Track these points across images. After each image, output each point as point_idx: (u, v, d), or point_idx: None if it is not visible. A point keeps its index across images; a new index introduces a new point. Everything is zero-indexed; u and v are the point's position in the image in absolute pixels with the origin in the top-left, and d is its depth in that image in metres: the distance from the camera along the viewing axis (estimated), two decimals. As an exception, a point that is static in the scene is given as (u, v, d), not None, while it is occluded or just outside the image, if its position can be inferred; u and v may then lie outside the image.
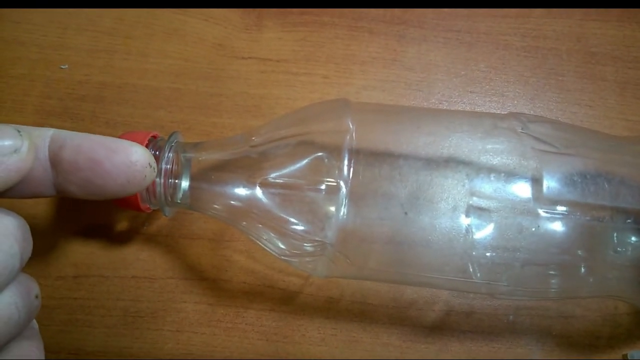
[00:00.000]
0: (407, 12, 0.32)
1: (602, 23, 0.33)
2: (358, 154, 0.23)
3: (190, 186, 0.24)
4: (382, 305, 0.26)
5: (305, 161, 0.24)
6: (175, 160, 0.24)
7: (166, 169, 0.23)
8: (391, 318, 0.26)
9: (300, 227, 0.24)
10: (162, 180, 0.23)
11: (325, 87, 0.31)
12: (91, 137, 0.17)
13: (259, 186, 0.24)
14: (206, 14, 0.32)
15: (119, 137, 0.24)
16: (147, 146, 0.23)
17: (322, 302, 0.27)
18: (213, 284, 0.27)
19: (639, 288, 0.25)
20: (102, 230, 0.28)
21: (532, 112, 0.30)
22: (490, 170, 0.24)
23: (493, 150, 0.24)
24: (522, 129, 0.23)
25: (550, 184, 0.21)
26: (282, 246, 0.24)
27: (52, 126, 0.25)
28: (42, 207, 0.28)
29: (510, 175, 0.23)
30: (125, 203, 0.23)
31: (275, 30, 0.32)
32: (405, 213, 0.24)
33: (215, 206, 0.25)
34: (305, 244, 0.24)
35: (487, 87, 0.31)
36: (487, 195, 0.24)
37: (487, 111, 0.30)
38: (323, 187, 0.23)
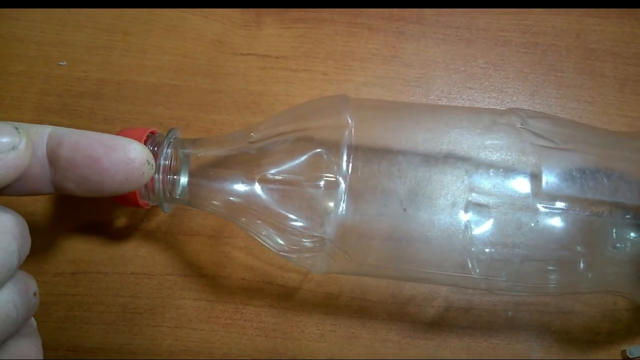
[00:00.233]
0: (407, 9, 0.32)
1: (602, 19, 0.33)
2: (357, 150, 0.23)
3: (189, 182, 0.24)
4: (381, 302, 0.26)
5: (304, 157, 0.24)
6: (174, 156, 0.24)
7: (165, 165, 0.23)
8: (390, 314, 0.26)
9: (299, 223, 0.24)
10: (161, 177, 0.23)
11: (325, 84, 0.31)
12: (89, 134, 0.17)
13: (257, 182, 0.24)
14: (205, 11, 0.32)
15: (117, 133, 0.24)
16: (145, 142, 0.23)
17: (321, 298, 0.27)
18: (212, 280, 0.27)
19: (638, 283, 0.25)
20: (100, 226, 0.27)
21: (531, 108, 0.30)
22: (489, 166, 0.24)
23: (492, 146, 0.24)
24: (521, 124, 0.23)
25: (549, 179, 0.21)
26: (281, 242, 0.24)
27: (51, 123, 0.25)
28: (40, 204, 0.28)
29: (509, 171, 0.23)
30: (124, 199, 0.23)
31: (274, 27, 0.32)
32: (404, 209, 0.24)
33: (214, 202, 0.25)
34: (304, 240, 0.24)
35: (486, 83, 0.31)
36: (486, 191, 0.24)
37: (486, 107, 0.30)
38: (322, 183, 0.23)
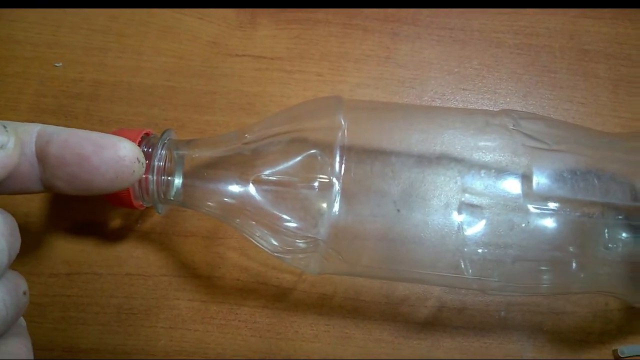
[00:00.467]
0: (401, 10, 0.33)
1: (596, 20, 0.33)
2: (350, 151, 0.23)
3: (183, 183, 0.24)
4: (374, 302, 0.27)
5: (298, 158, 0.24)
6: (168, 157, 0.24)
7: (159, 166, 0.23)
8: (384, 314, 0.26)
9: (293, 224, 0.24)
10: (155, 178, 0.23)
11: (319, 85, 0.31)
12: (78, 132, 0.17)
13: (252, 183, 0.24)
14: (200, 12, 0.32)
15: (113, 132, 0.24)
16: (140, 143, 0.24)
17: (315, 298, 0.27)
18: (206, 281, 0.27)
19: (629, 284, 0.25)
20: (95, 227, 0.28)
21: (524, 109, 0.30)
22: (482, 167, 0.24)
23: (485, 147, 0.24)
24: (513, 125, 0.23)
25: (540, 180, 0.21)
26: (275, 243, 0.24)
27: (46, 124, 0.25)
28: (34, 205, 0.28)
29: (501, 172, 0.24)
30: (118, 200, 0.23)
31: (269, 28, 0.32)
32: (398, 210, 0.24)
33: (209, 203, 0.25)
34: (298, 241, 0.24)
35: (480, 84, 0.31)
36: (478, 192, 0.24)
37: (480, 108, 0.30)
38: (316, 184, 0.24)
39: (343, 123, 0.23)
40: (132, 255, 0.27)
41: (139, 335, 0.26)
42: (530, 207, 0.22)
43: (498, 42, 0.32)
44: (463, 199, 0.24)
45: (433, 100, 0.30)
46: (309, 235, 0.24)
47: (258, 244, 0.25)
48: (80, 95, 0.30)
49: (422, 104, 0.30)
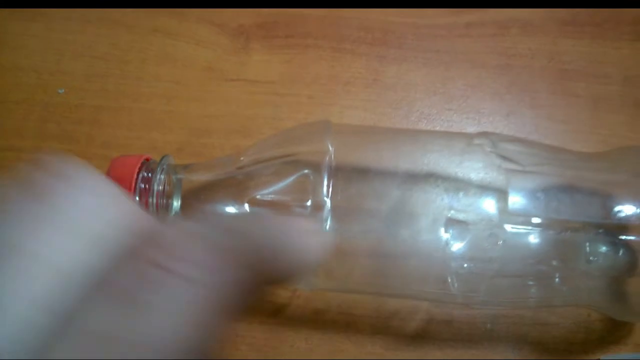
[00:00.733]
0: (388, 34, 0.34)
1: (575, 41, 0.34)
2: (338, 173, 0.25)
3: (181, 205, 0.26)
4: (366, 316, 0.28)
5: (290, 180, 0.25)
6: (167, 181, 0.26)
7: (158, 190, 0.25)
8: (375, 328, 0.28)
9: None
10: (155, 201, 0.25)
11: (311, 107, 0.32)
12: None
13: (247, 204, 0.25)
14: (196, 39, 0.34)
15: (114, 160, 0.25)
16: (140, 169, 0.25)
17: (309, 313, 0.28)
18: (204, 298, 0.28)
19: (610, 297, 0.26)
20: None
21: (507, 128, 0.32)
22: (467, 185, 0.25)
23: (468, 167, 0.26)
24: (490, 147, 0.24)
25: (514, 200, 0.23)
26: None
27: (50, 148, 0.27)
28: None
29: (483, 190, 0.25)
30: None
31: (262, 53, 0.33)
32: (387, 227, 0.25)
33: (206, 224, 0.26)
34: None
35: (464, 104, 0.32)
36: (463, 209, 0.25)
37: (464, 127, 0.32)
38: (308, 203, 0.25)
39: (330, 148, 0.25)
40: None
41: (140, 351, 0.27)
42: (507, 226, 0.23)
43: (481, 64, 0.33)
44: (449, 215, 0.25)
45: (419, 120, 0.32)
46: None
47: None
48: (82, 120, 0.32)
49: (407, 127, 0.31)
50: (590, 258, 0.25)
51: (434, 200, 0.26)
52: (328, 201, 0.24)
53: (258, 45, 0.34)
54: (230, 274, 0.11)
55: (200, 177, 0.26)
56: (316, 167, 0.25)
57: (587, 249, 0.25)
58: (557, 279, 0.26)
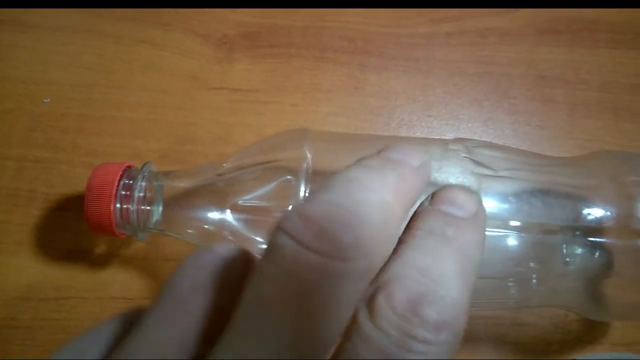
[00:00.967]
0: (369, 43, 0.35)
1: (553, 48, 0.35)
2: (315, 179, 0.25)
3: (163, 212, 0.26)
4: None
5: (271, 186, 0.26)
6: (149, 188, 0.26)
7: (139, 197, 0.25)
8: (355, 331, 0.28)
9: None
10: (135, 207, 0.25)
11: (293, 115, 0.33)
12: None
13: (229, 210, 0.26)
14: (182, 49, 0.35)
15: (96, 167, 0.26)
16: (121, 176, 0.25)
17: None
18: (187, 303, 0.28)
19: (586, 298, 0.27)
20: (82, 254, 0.29)
21: (485, 134, 0.32)
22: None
23: (447, 172, 0.26)
24: (465, 153, 0.25)
25: (487, 204, 0.23)
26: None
27: (35, 157, 0.27)
28: (25, 235, 0.30)
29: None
30: (101, 229, 0.25)
31: (245, 63, 0.34)
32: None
33: (188, 230, 0.27)
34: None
35: (444, 111, 0.33)
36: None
37: (444, 134, 0.32)
38: (289, 208, 0.25)
39: (308, 154, 0.25)
40: (116, 280, 0.29)
41: (123, 356, 0.27)
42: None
43: (460, 71, 0.34)
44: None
45: (400, 127, 0.33)
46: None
47: (234, 267, 0.26)
48: (67, 129, 0.32)
49: (388, 134, 0.32)
50: (567, 260, 0.26)
51: (416, 203, 0.26)
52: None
53: (241, 55, 0.34)
54: None
55: (182, 184, 0.27)
56: (295, 173, 0.26)
57: (564, 250, 0.26)
58: (534, 280, 0.26)
